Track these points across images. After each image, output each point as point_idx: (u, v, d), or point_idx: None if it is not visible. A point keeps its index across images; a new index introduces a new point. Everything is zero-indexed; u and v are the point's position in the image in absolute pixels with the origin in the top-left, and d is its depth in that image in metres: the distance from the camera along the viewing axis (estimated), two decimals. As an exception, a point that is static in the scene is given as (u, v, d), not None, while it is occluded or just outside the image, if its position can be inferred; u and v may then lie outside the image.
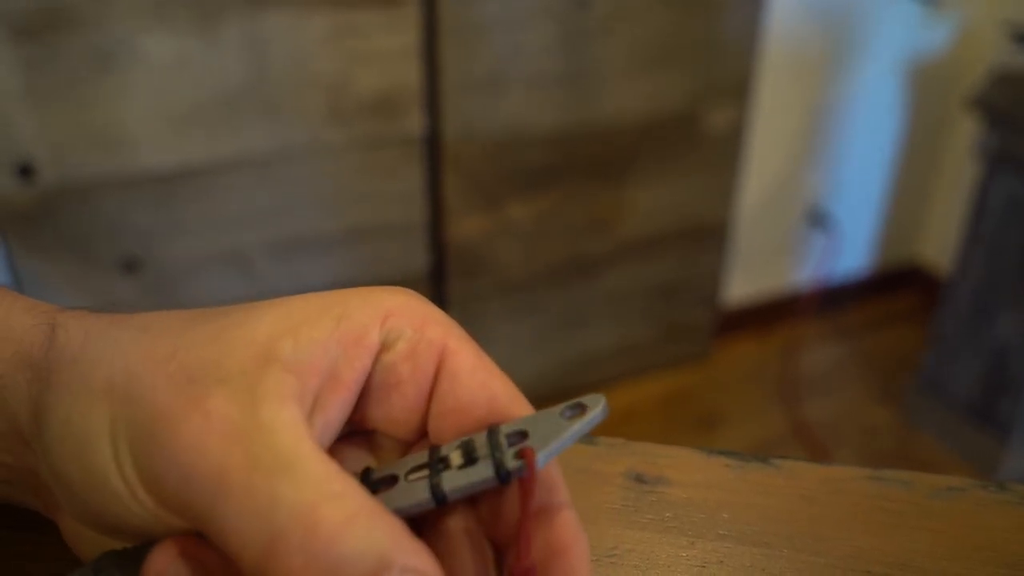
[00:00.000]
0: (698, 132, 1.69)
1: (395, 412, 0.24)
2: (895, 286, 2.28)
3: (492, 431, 0.22)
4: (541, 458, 0.21)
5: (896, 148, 2.10)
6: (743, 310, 2.08)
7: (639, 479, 0.33)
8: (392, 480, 0.22)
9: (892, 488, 0.33)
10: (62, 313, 0.23)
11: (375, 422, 0.24)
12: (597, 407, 0.22)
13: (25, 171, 1.14)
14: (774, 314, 2.12)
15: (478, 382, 0.24)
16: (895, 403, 1.90)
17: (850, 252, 2.17)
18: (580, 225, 1.67)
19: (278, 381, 0.21)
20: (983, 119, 1.59)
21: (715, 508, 0.32)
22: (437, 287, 1.57)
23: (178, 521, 0.21)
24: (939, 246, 2.17)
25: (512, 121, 1.48)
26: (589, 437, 0.35)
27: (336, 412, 0.22)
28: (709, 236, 1.84)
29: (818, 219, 2.07)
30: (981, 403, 1.68)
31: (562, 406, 0.23)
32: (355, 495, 0.19)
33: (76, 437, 0.21)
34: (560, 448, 0.22)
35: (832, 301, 2.17)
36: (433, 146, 1.43)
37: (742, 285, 2.05)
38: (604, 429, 0.27)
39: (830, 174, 2.05)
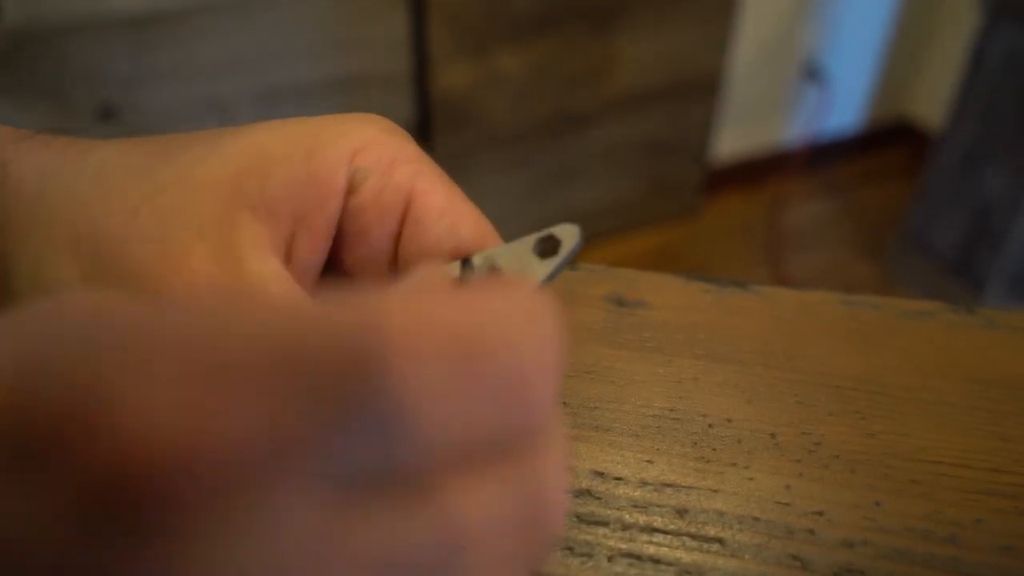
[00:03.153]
0: (693, -22, 1.62)
1: (365, 257, 0.24)
2: (885, 143, 2.26)
3: (465, 262, 0.22)
4: None
5: (895, 1, 2.04)
6: (732, 165, 2.07)
7: (619, 302, 0.34)
8: None
9: (863, 310, 0.34)
10: (13, 146, 0.22)
11: (347, 266, 0.24)
12: (572, 240, 0.21)
13: (-9, 12, 1.09)
14: (763, 170, 2.11)
15: (445, 227, 0.23)
16: (878, 259, 1.93)
17: (842, 107, 2.14)
18: (571, 77, 1.63)
19: (252, 233, 0.20)
20: (988, -35, 1.53)
21: (692, 329, 0.33)
22: (424, 140, 1.55)
23: None
24: (932, 103, 2.13)
25: (500, -36, 1.42)
26: (572, 264, 0.36)
27: (311, 256, 0.22)
28: (701, 90, 1.80)
29: (812, 73, 2.02)
30: (961, 257, 1.70)
31: (533, 238, 0.21)
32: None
33: (49, 288, 0.21)
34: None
35: (822, 157, 2.15)
36: (417, -10, 1.37)
37: (732, 140, 2.03)
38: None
39: (827, 26, 1.99)
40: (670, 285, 0.35)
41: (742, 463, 0.28)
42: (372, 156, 0.23)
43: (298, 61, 1.34)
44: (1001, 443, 0.29)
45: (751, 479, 0.28)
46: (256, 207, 0.21)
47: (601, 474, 0.28)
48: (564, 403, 0.30)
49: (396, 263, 0.24)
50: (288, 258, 0.22)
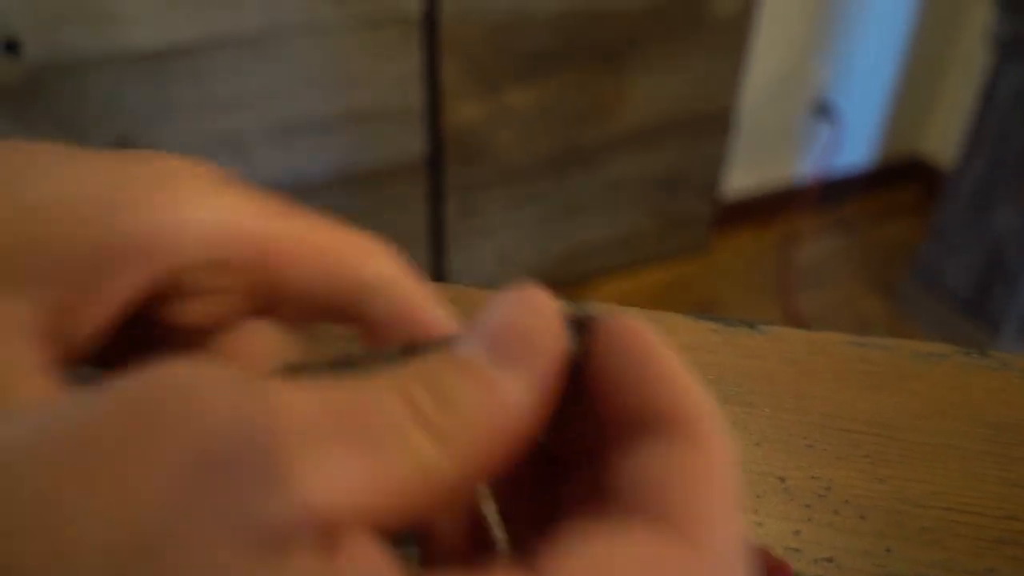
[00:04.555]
0: (705, 16, 1.64)
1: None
2: (897, 179, 2.26)
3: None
4: None
5: (906, 38, 2.05)
6: (743, 201, 2.08)
7: (627, 342, 0.34)
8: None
9: (874, 352, 0.34)
10: None
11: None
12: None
13: (10, 46, 1.11)
14: (774, 206, 2.12)
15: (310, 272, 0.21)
16: (890, 296, 1.92)
17: (853, 144, 2.14)
18: (581, 112, 1.64)
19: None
20: (996, 5, 1.54)
21: (701, 369, 0.33)
22: (436, 174, 1.56)
23: None
24: (943, 139, 2.14)
25: (513, 2, 1.44)
26: (580, 303, 0.36)
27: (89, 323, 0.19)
28: (711, 126, 1.81)
29: (823, 110, 2.03)
30: (975, 296, 1.69)
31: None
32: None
33: None
34: None
35: (833, 193, 2.15)
36: (431, 26, 1.39)
37: (743, 176, 2.03)
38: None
39: (837, 64, 2.00)
40: (679, 324, 0.35)
41: (751, 507, 0.28)
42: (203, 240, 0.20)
43: (313, 96, 1.36)
44: (1014, 489, 0.28)
45: (760, 524, 0.27)
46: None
47: (607, 517, 0.27)
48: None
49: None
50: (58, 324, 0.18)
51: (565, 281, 1.80)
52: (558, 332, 0.16)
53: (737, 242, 2.07)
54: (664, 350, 0.17)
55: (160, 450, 0.12)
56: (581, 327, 0.18)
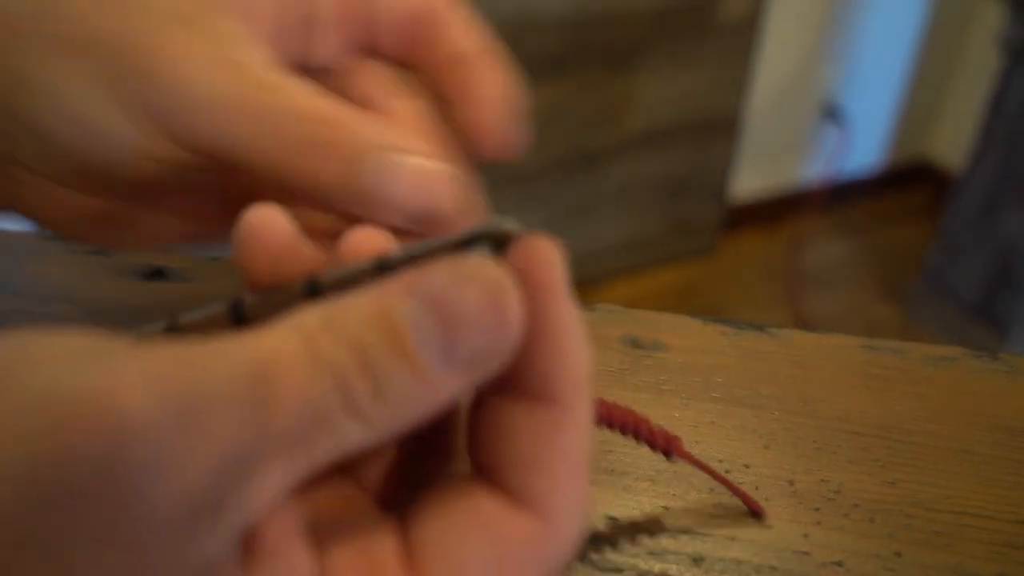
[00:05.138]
0: (712, 20, 1.64)
1: (336, 48, 0.25)
2: (905, 183, 2.25)
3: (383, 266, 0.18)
4: None
5: (915, 41, 2.04)
6: (751, 204, 2.07)
7: (636, 344, 0.34)
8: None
9: (884, 356, 0.34)
10: None
11: (321, 61, 0.25)
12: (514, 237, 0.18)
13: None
14: (782, 209, 2.11)
15: None
16: (899, 300, 1.91)
17: (861, 148, 2.14)
18: (589, 115, 1.64)
19: (233, 27, 0.21)
20: (1008, 8, 1.54)
21: (709, 372, 0.33)
22: (443, 177, 1.56)
23: (186, 156, 0.22)
24: (952, 143, 2.13)
25: (520, 5, 1.44)
26: (587, 304, 0.36)
27: (288, 51, 0.23)
28: (719, 129, 1.81)
29: (831, 113, 2.03)
30: (983, 300, 1.68)
31: (466, 235, 0.17)
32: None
33: (53, 96, 0.21)
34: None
35: (841, 197, 2.15)
36: (439, 30, 1.39)
37: (751, 179, 2.03)
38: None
39: (846, 67, 1.99)
40: (687, 327, 0.35)
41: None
42: None
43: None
44: (1026, 494, 0.28)
45: (769, 527, 0.27)
46: (234, 8, 0.22)
47: (616, 519, 0.27)
48: (579, 446, 0.30)
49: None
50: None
51: (572, 283, 1.80)
52: (515, 341, 0.15)
53: (745, 245, 2.06)
54: (562, 302, 0.17)
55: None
56: (498, 246, 0.17)
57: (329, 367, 0.14)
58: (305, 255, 0.18)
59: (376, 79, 0.25)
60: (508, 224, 0.18)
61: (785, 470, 0.29)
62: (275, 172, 0.21)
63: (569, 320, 0.16)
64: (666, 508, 0.28)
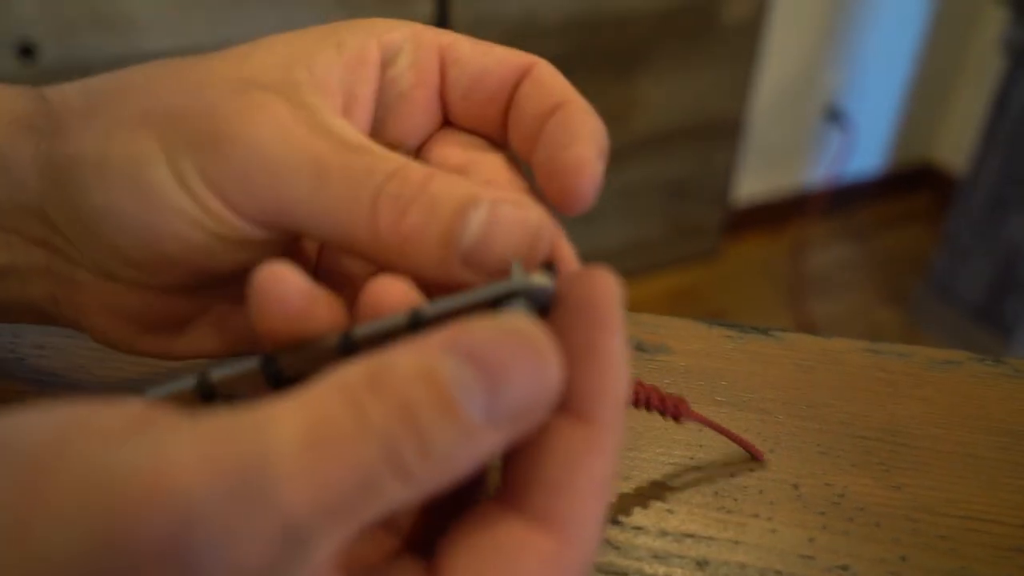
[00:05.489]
0: (715, 22, 1.64)
1: (412, 121, 0.25)
2: (908, 186, 2.25)
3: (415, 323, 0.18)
4: None
5: (919, 44, 2.04)
6: (754, 208, 2.07)
7: (640, 347, 0.34)
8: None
9: (889, 359, 0.34)
10: (38, 88, 0.23)
11: (395, 137, 0.25)
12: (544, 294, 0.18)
13: (26, 51, 1.12)
14: (785, 212, 2.11)
15: (481, 53, 0.25)
16: (902, 303, 1.91)
17: (864, 151, 2.14)
18: (591, 119, 1.64)
19: (317, 99, 0.21)
20: (1010, 10, 1.54)
21: (714, 376, 0.33)
22: (446, 180, 1.56)
23: (250, 229, 0.21)
24: (955, 146, 2.13)
25: (523, 8, 1.44)
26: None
27: (360, 122, 0.24)
28: (723, 132, 1.81)
29: (834, 116, 2.03)
30: (987, 304, 1.68)
31: (499, 289, 0.18)
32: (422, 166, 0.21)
33: (123, 169, 0.21)
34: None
35: (844, 200, 2.15)
36: (442, 33, 1.40)
37: (753, 182, 2.03)
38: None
39: (849, 70, 1.99)
40: (692, 331, 0.35)
41: (764, 514, 0.28)
42: (398, 33, 0.24)
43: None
44: (1031, 498, 0.28)
45: (774, 531, 0.27)
46: (309, 86, 0.22)
47: (620, 523, 0.27)
48: (583, 449, 0.30)
49: (449, 123, 0.26)
50: None
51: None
52: (555, 397, 0.16)
53: (748, 249, 2.06)
54: (617, 335, 0.17)
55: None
56: (531, 301, 0.18)
57: (377, 430, 0.14)
58: (322, 312, 0.18)
59: (450, 138, 0.25)
60: (540, 280, 0.18)
61: (790, 474, 0.29)
62: (349, 234, 0.20)
63: (620, 350, 0.17)
64: (670, 511, 0.28)
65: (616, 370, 0.17)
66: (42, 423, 0.13)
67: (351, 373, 0.14)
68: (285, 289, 0.17)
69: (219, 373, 0.18)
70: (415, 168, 0.20)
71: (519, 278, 0.18)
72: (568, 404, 0.17)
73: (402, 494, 0.14)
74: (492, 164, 0.24)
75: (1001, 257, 1.63)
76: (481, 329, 0.15)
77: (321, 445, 0.13)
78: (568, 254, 0.22)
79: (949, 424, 0.31)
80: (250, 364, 0.18)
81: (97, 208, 0.21)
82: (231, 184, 0.20)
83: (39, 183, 0.22)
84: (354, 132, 0.21)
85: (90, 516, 0.12)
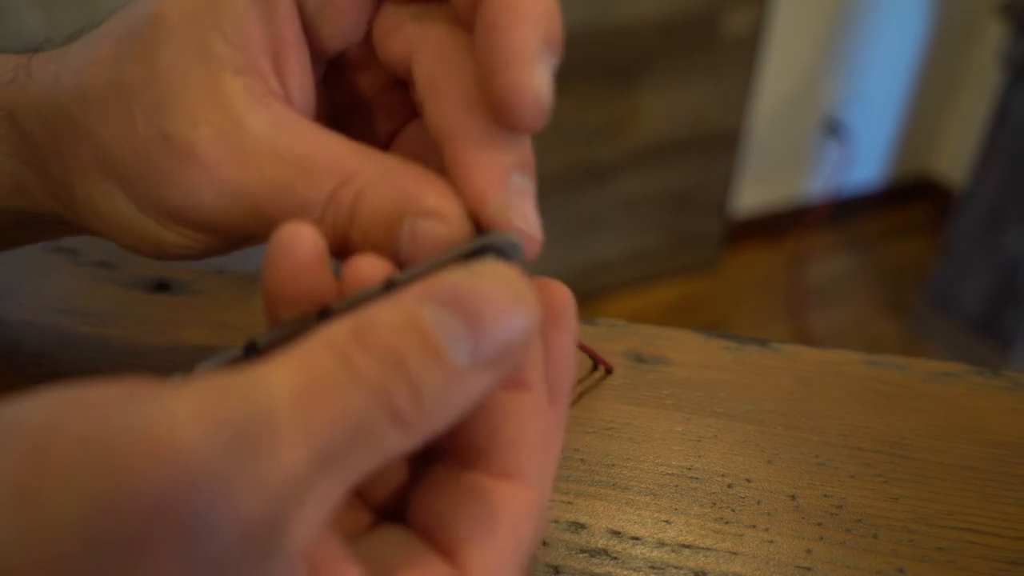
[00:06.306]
0: (716, 35, 1.64)
1: (347, 20, 0.23)
2: (907, 198, 2.25)
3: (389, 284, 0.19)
4: None
5: (918, 57, 2.05)
6: (753, 219, 2.07)
7: (639, 358, 0.34)
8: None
9: (887, 371, 0.34)
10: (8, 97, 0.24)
11: (330, 40, 0.23)
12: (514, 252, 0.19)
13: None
14: (784, 224, 2.11)
15: None
16: (902, 315, 1.91)
17: (864, 163, 2.14)
18: (593, 130, 1.64)
19: (236, 90, 0.21)
20: (1010, 25, 1.54)
21: (712, 387, 0.33)
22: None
23: (216, 239, 0.22)
24: (954, 159, 2.13)
25: (524, 20, 1.44)
26: (591, 318, 0.36)
27: (300, 68, 0.22)
28: (723, 144, 1.81)
29: (833, 128, 2.03)
30: (987, 316, 1.68)
31: (466, 248, 0.19)
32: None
33: (104, 207, 0.22)
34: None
35: (843, 212, 2.15)
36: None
37: (753, 194, 2.03)
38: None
39: (848, 82, 2.00)
40: (690, 342, 0.35)
41: (762, 525, 0.28)
42: None
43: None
44: (1029, 510, 0.28)
45: (771, 542, 0.27)
46: (228, 63, 0.21)
47: (618, 533, 0.27)
48: (581, 460, 0.30)
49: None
50: (284, 82, 0.22)
51: (577, 296, 1.80)
52: (535, 332, 0.16)
53: (747, 260, 2.06)
54: (569, 334, 0.21)
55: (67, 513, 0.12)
56: (502, 257, 0.18)
57: (367, 378, 0.14)
58: (327, 275, 0.18)
59: (391, 19, 0.23)
60: (510, 237, 0.19)
61: (788, 485, 0.29)
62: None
63: (572, 347, 0.21)
64: (668, 522, 0.28)
65: (567, 361, 0.21)
66: (42, 402, 0.13)
67: (335, 330, 0.15)
68: (300, 243, 0.18)
69: (204, 366, 0.18)
70: (347, 189, 0.20)
71: (489, 235, 0.19)
72: (518, 380, 0.19)
73: (399, 441, 0.14)
74: (436, 46, 0.21)
75: (1000, 269, 1.63)
76: (456, 276, 0.15)
77: (314, 394, 0.13)
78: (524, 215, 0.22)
79: (947, 436, 0.31)
80: (234, 352, 0.18)
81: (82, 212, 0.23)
82: (180, 212, 0.21)
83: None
84: (277, 135, 0.21)
85: (91, 479, 0.12)
